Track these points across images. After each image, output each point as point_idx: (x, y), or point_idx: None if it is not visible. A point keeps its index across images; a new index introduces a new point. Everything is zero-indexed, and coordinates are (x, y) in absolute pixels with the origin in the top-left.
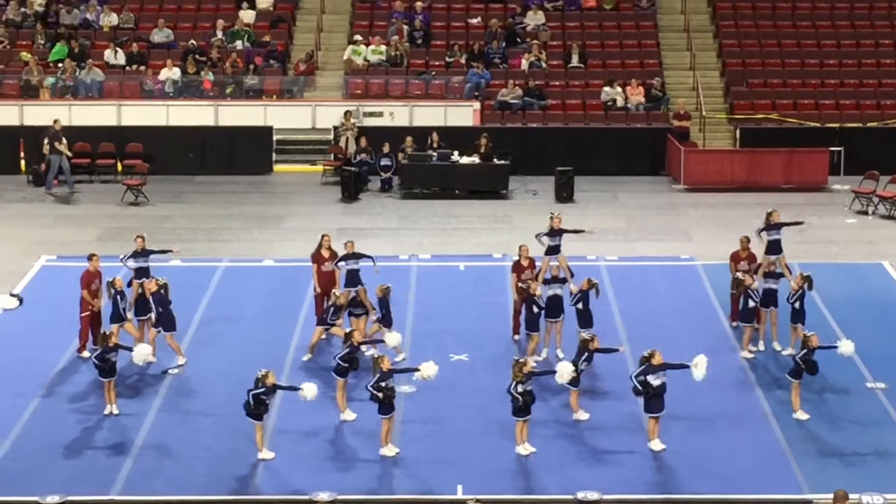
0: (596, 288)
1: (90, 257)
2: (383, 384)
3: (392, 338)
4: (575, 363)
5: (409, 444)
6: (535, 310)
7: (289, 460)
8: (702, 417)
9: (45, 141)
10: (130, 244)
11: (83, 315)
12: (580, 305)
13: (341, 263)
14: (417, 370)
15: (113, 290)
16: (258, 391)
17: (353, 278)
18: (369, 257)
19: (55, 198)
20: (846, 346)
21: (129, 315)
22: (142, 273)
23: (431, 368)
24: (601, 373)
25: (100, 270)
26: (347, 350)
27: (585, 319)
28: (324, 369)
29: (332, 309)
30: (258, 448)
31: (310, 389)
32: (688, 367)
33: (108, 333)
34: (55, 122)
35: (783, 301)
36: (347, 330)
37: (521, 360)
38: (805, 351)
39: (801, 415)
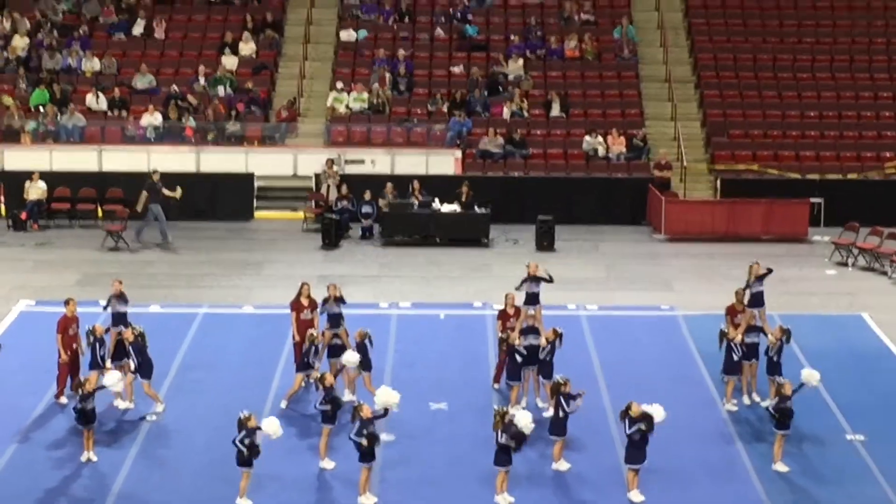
0: (560, 338)
1: (67, 302)
2: (365, 432)
3: (350, 356)
4: (557, 414)
5: (388, 492)
6: (518, 359)
7: None
8: (682, 470)
9: (145, 193)
10: (110, 290)
11: (60, 361)
12: (547, 357)
13: (325, 307)
14: (386, 408)
15: (92, 338)
16: (243, 437)
17: (335, 321)
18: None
19: (35, 244)
20: (809, 375)
21: (108, 363)
22: (119, 319)
23: (389, 395)
24: (580, 423)
25: (77, 316)
26: (323, 394)
27: (547, 370)
28: (303, 416)
29: (312, 349)
30: (240, 494)
31: (270, 425)
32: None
33: (83, 381)
34: (154, 172)
35: (762, 353)
36: (322, 373)
37: (503, 410)
38: (778, 399)
39: (781, 466)
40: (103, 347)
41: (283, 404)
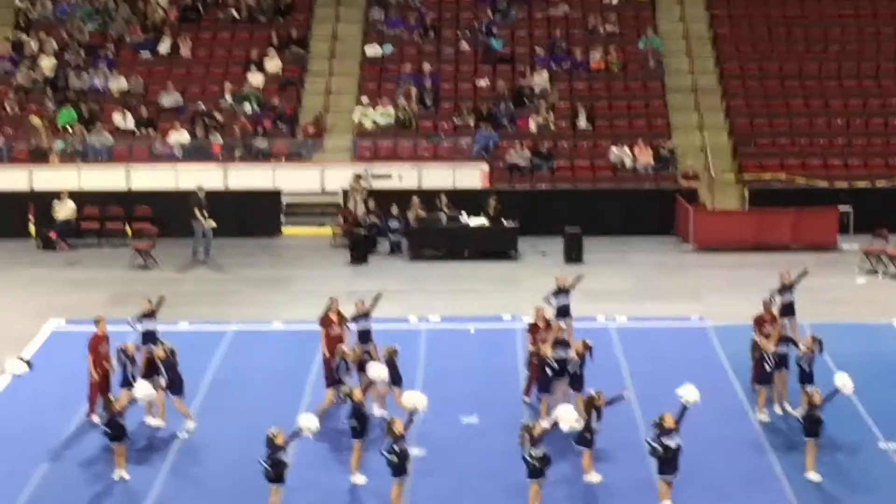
0: (590, 351)
1: (97, 321)
2: (396, 448)
3: (378, 371)
4: (588, 425)
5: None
6: (549, 372)
7: None
8: (714, 480)
9: (195, 209)
10: (139, 308)
11: (91, 380)
12: (577, 371)
13: (352, 324)
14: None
15: (124, 356)
16: (267, 454)
17: (364, 337)
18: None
19: (68, 263)
20: (844, 382)
21: (139, 380)
22: (149, 337)
23: (416, 398)
24: (613, 434)
25: (107, 334)
26: (352, 409)
27: (579, 383)
28: (335, 432)
29: (342, 365)
30: None
31: (306, 421)
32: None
33: (113, 400)
34: (199, 189)
35: (794, 364)
36: (351, 388)
37: (530, 424)
38: (808, 408)
39: (813, 475)
40: (135, 366)
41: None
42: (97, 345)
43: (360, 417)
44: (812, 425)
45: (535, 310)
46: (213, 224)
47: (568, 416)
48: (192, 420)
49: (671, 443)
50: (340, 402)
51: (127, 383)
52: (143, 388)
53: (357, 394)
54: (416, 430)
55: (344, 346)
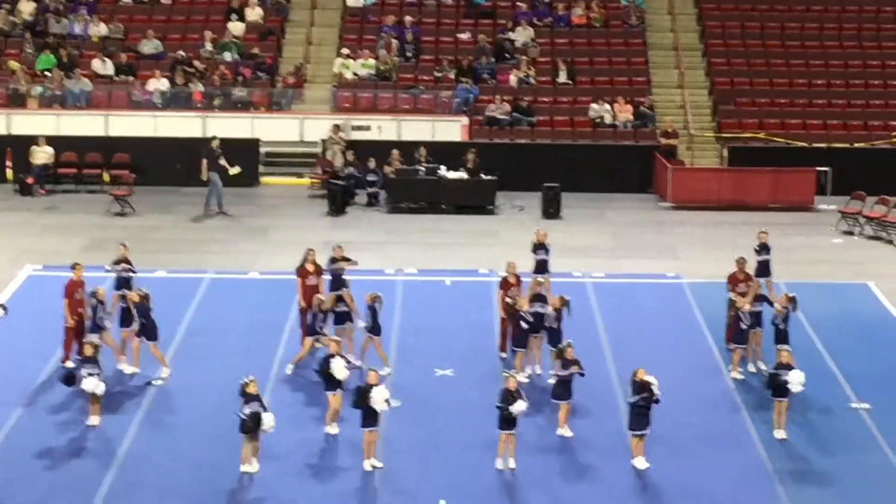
0: (568, 305)
1: (74, 266)
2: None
3: (337, 366)
4: (560, 378)
5: (393, 457)
6: (524, 325)
7: (273, 473)
8: (687, 437)
9: (205, 161)
10: (116, 254)
11: (67, 325)
12: (555, 325)
13: (326, 270)
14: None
15: (95, 300)
16: (242, 405)
17: (338, 281)
18: (353, 262)
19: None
20: (795, 377)
21: (107, 324)
22: (123, 283)
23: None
24: (585, 390)
25: (83, 280)
26: (324, 360)
27: (557, 338)
28: (311, 383)
29: (319, 315)
30: (242, 461)
31: (268, 420)
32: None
33: (83, 345)
34: (213, 138)
35: (769, 322)
36: (333, 338)
37: (508, 374)
38: (774, 368)
39: (779, 433)
40: (104, 311)
41: (290, 369)
42: (73, 290)
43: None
44: (777, 387)
45: (507, 265)
46: (238, 170)
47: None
48: (166, 367)
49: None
50: (316, 351)
51: (97, 328)
52: (90, 383)
53: (333, 346)
54: (391, 381)
55: (321, 295)
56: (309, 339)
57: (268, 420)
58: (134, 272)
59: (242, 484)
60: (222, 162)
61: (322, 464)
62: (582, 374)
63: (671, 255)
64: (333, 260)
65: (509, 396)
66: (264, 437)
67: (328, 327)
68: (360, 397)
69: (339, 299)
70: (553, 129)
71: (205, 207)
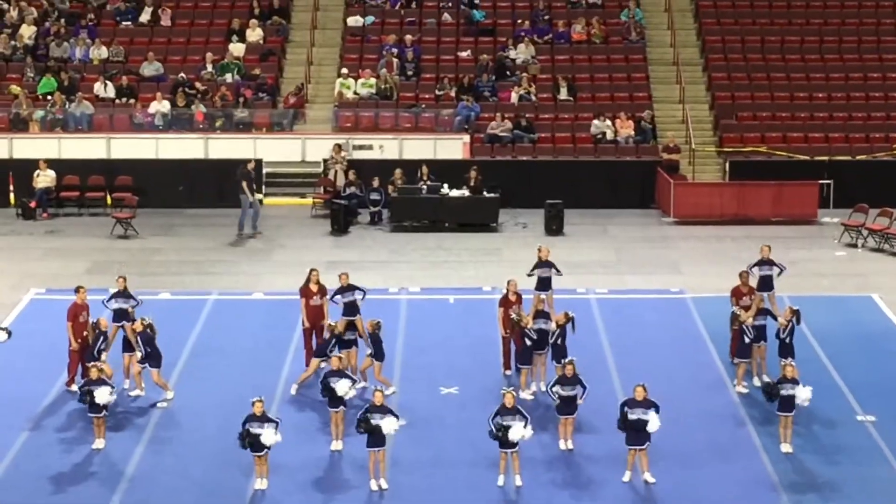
0: (572, 322)
1: (77, 290)
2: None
3: (342, 386)
4: (561, 393)
5: (398, 475)
6: (528, 343)
7: (279, 490)
8: (693, 451)
9: (244, 183)
10: (116, 280)
11: (71, 349)
12: (559, 341)
13: (337, 297)
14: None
15: (97, 331)
16: (243, 426)
17: (350, 309)
18: (361, 290)
19: (44, 231)
20: (802, 392)
21: (104, 356)
22: (121, 315)
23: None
24: (591, 406)
25: (87, 303)
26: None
27: (561, 354)
28: (316, 401)
29: (332, 341)
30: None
31: (268, 437)
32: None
33: (88, 369)
34: (249, 161)
35: (772, 336)
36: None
37: (506, 391)
38: (778, 379)
39: (785, 447)
40: (104, 342)
41: (294, 389)
42: (77, 313)
43: (328, 389)
44: (782, 401)
45: (507, 283)
46: (261, 197)
47: (520, 433)
48: (170, 391)
49: (632, 416)
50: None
51: (92, 357)
52: (102, 394)
53: (335, 362)
54: (396, 400)
55: (330, 320)
56: (315, 360)
57: (268, 437)
58: (136, 302)
59: (248, 502)
60: (244, 187)
61: (328, 481)
62: (585, 390)
63: (674, 269)
64: (342, 289)
65: (506, 414)
66: (271, 454)
67: (335, 350)
68: (366, 425)
69: (351, 325)
70: (555, 145)
71: (238, 229)
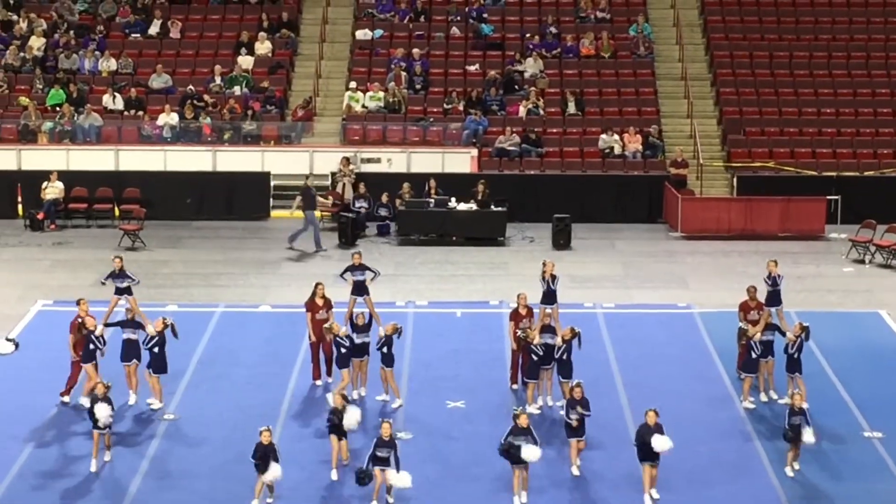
0: (579, 337)
1: (78, 302)
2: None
3: (351, 417)
4: (580, 415)
5: (404, 490)
6: (535, 358)
7: None
8: (699, 467)
9: (299, 198)
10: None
11: (74, 360)
12: (564, 356)
13: (346, 274)
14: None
15: (85, 331)
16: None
17: (359, 288)
18: (373, 271)
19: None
20: (808, 436)
21: (98, 355)
22: (121, 292)
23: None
24: (598, 422)
25: (92, 315)
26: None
27: (567, 370)
28: (323, 420)
29: (341, 340)
30: (255, 495)
31: (273, 473)
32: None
33: (95, 384)
34: (308, 177)
35: (780, 351)
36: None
37: (519, 411)
38: (789, 412)
39: (788, 471)
40: (103, 345)
41: (333, 398)
42: (78, 326)
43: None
44: (792, 435)
45: (517, 296)
46: (319, 214)
47: (531, 454)
48: (159, 401)
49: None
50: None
51: (89, 358)
52: (102, 410)
53: (338, 399)
54: (402, 413)
55: (329, 323)
56: (344, 371)
57: (273, 471)
58: (133, 280)
59: None
60: (320, 199)
61: (333, 498)
62: (587, 415)
63: (682, 284)
64: (353, 267)
65: (519, 434)
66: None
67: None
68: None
69: (364, 328)
70: (562, 159)
71: (290, 241)
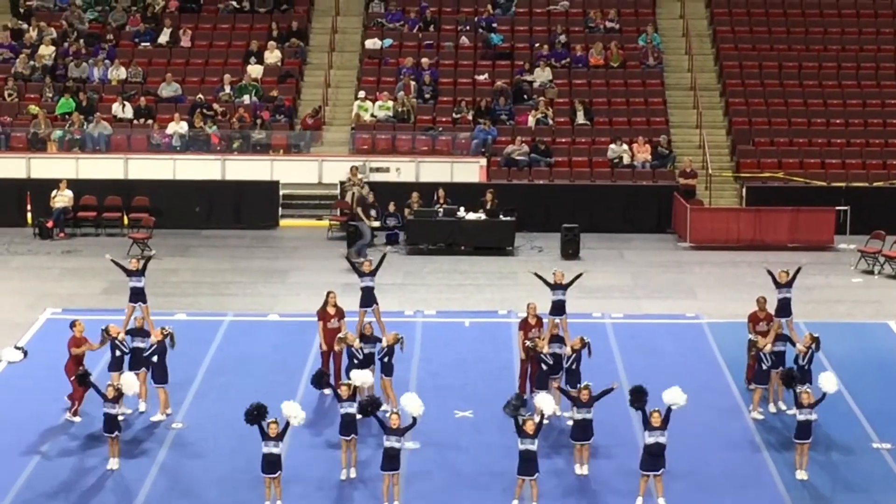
0: (588, 347)
1: (72, 325)
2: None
3: (364, 376)
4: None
5: (413, 499)
6: (544, 367)
7: None
8: (708, 477)
9: (360, 209)
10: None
11: (73, 378)
12: (573, 366)
13: (362, 344)
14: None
15: (108, 336)
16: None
17: (368, 296)
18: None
19: (63, 252)
20: (827, 381)
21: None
22: (136, 295)
23: (413, 403)
24: (606, 431)
25: (86, 337)
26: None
27: (575, 380)
28: (333, 422)
29: (356, 349)
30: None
31: (290, 408)
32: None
33: (107, 387)
34: (363, 187)
35: (791, 362)
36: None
37: (525, 418)
38: (797, 409)
39: (800, 474)
40: (123, 346)
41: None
42: (77, 346)
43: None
44: (800, 428)
45: (527, 306)
46: (376, 224)
47: (546, 403)
48: (143, 402)
49: (650, 440)
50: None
51: (115, 366)
52: (129, 382)
53: (345, 390)
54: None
55: (343, 333)
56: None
57: (290, 409)
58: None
59: None
60: (359, 212)
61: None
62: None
63: (690, 295)
64: (362, 273)
65: (525, 438)
66: (287, 475)
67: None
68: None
69: (371, 338)
70: (571, 169)
71: (357, 253)
